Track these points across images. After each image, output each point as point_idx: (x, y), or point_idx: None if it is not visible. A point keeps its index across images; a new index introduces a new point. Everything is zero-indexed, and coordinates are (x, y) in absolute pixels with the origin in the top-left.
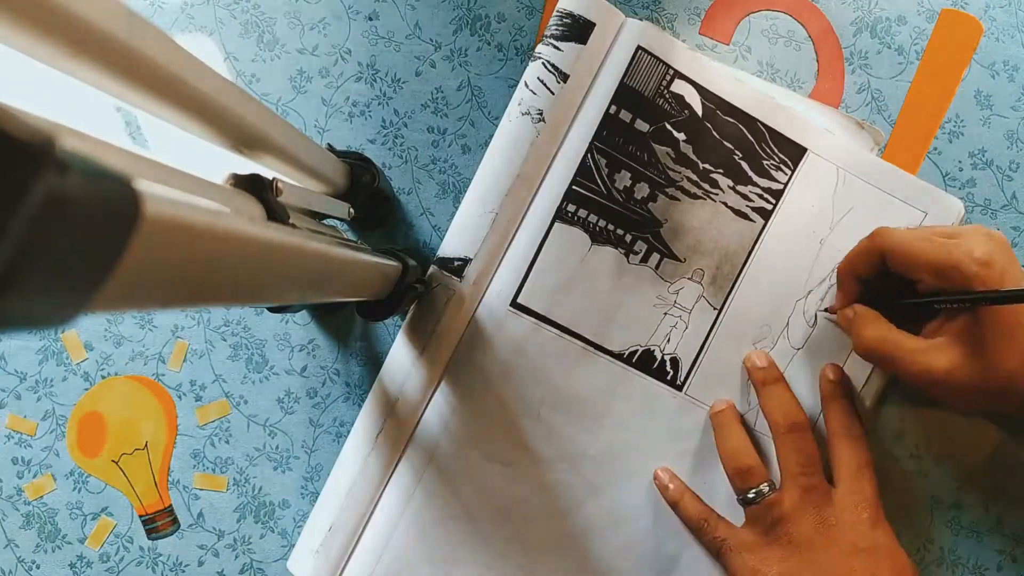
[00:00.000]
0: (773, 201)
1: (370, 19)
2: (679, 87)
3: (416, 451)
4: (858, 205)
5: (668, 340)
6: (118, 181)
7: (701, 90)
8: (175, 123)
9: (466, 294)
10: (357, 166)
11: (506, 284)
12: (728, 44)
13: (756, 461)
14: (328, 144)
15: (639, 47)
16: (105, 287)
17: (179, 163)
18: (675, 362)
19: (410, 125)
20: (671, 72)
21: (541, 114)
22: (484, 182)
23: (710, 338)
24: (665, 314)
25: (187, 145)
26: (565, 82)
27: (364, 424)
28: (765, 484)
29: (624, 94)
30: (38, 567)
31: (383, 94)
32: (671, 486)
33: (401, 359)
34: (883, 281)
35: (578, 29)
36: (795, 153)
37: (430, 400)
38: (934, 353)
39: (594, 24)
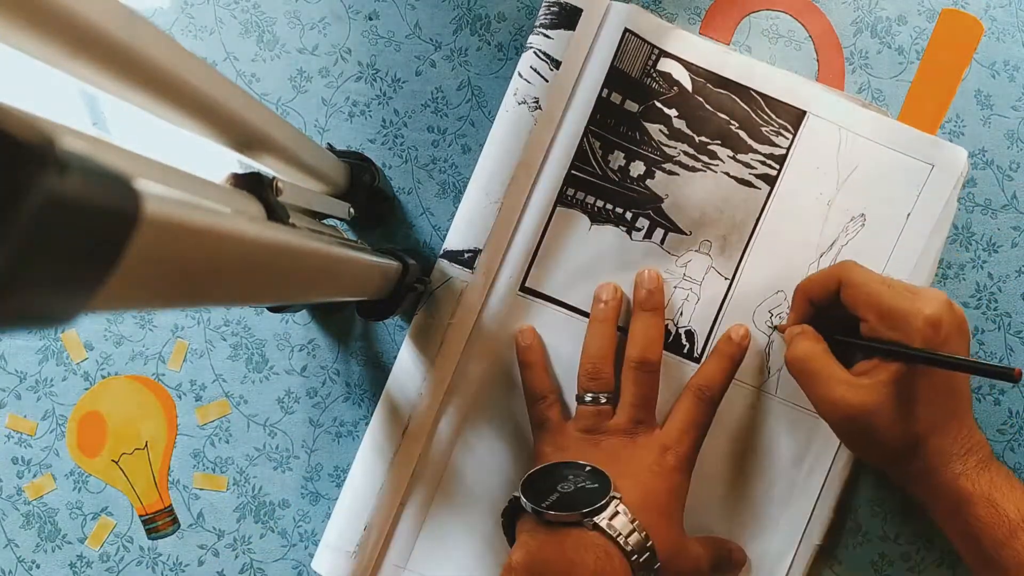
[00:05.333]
0: (777, 167)
1: (370, 19)
2: (666, 65)
3: (438, 446)
4: (862, 163)
5: (681, 313)
6: (118, 181)
7: (689, 66)
8: (176, 123)
9: (478, 285)
10: (357, 166)
11: (514, 270)
12: (728, 44)
13: (610, 372)
14: (328, 144)
15: (626, 30)
16: (105, 287)
17: (179, 163)
18: (690, 335)
19: (410, 125)
20: (656, 51)
21: (537, 102)
22: (486, 173)
23: (724, 308)
24: (675, 288)
25: (186, 144)
26: (558, 69)
27: (384, 422)
28: (605, 395)
29: (614, 77)
30: (38, 567)
31: (383, 94)
32: (529, 345)
33: (414, 350)
34: (832, 312)
35: (566, 16)
36: (794, 116)
37: (448, 396)
38: (856, 389)
39: (581, 10)
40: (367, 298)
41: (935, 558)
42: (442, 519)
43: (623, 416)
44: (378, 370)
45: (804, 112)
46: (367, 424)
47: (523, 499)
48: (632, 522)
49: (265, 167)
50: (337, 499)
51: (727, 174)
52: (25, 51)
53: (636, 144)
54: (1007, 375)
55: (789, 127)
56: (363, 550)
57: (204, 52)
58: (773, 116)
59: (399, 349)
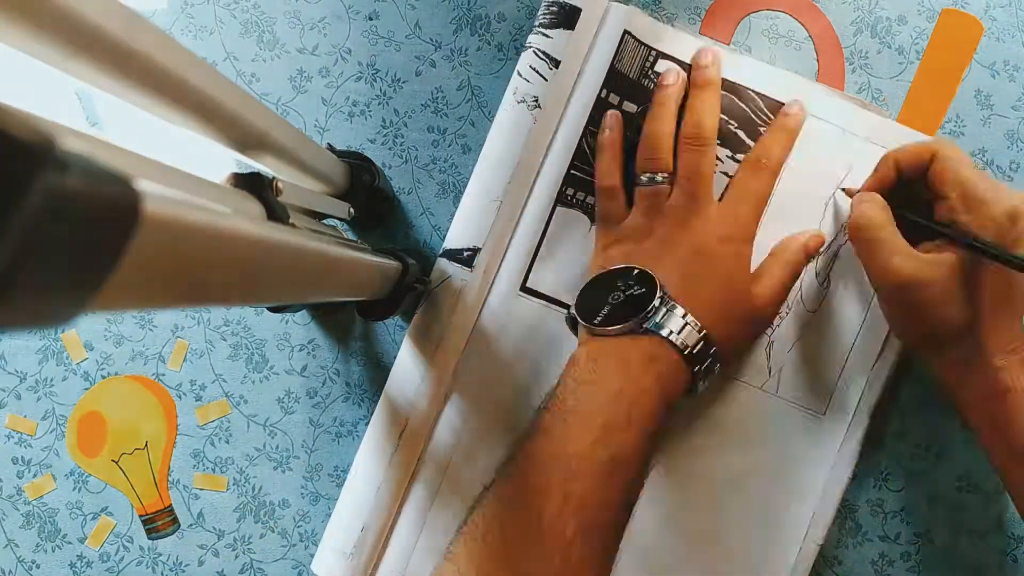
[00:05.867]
0: None
1: (370, 19)
2: (663, 66)
3: (437, 447)
4: (857, 163)
5: None
6: (118, 181)
7: (686, 66)
8: (176, 123)
9: (476, 283)
10: (357, 166)
11: (514, 270)
12: (728, 44)
13: (668, 154)
14: (328, 144)
15: (625, 31)
16: (105, 287)
17: (179, 163)
18: None
19: (410, 125)
20: (654, 53)
21: (536, 101)
22: (486, 171)
23: None
24: None
25: (186, 144)
26: (557, 68)
27: (384, 422)
28: (662, 175)
29: (613, 78)
30: (38, 567)
31: (383, 94)
32: (610, 132)
33: (413, 350)
34: (910, 191)
35: (565, 15)
36: None
37: (447, 397)
38: (913, 260)
39: (580, 10)
40: (367, 298)
41: (935, 558)
42: (442, 523)
43: (678, 192)
44: (378, 370)
45: None
46: (367, 424)
47: (576, 316)
48: (683, 316)
49: (265, 167)
50: (337, 499)
51: (725, 174)
52: (24, 51)
53: (635, 145)
54: None
55: None
56: (360, 552)
57: (204, 52)
58: (771, 116)
59: (399, 349)
